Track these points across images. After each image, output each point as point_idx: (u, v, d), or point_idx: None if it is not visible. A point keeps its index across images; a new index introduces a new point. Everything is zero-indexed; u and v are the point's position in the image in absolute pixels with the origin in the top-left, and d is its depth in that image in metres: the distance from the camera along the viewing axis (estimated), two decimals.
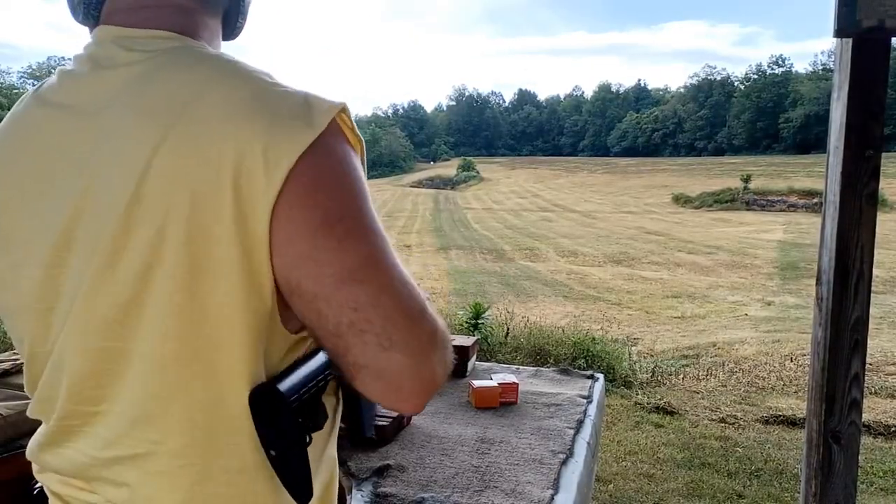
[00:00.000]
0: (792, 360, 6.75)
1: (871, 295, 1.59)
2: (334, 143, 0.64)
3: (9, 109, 0.78)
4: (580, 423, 1.79)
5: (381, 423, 1.63)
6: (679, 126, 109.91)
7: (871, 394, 5.32)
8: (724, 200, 36.14)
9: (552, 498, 1.39)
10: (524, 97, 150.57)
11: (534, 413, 1.85)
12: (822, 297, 1.64)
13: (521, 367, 2.36)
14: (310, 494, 0.69)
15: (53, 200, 0.67)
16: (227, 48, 0.80)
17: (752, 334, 8.84)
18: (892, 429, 4.50)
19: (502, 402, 1.91)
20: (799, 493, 1.80)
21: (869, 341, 1.62)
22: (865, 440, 4.19)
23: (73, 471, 0.72)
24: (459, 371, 2.14)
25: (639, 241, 21.92)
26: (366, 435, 0.83)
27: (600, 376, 2.20)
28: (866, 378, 1.65)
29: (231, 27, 0.81)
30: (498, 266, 16.87)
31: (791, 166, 48.04)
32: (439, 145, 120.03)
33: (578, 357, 5.59)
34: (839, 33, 1.51)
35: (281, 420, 0.66)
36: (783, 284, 13.68)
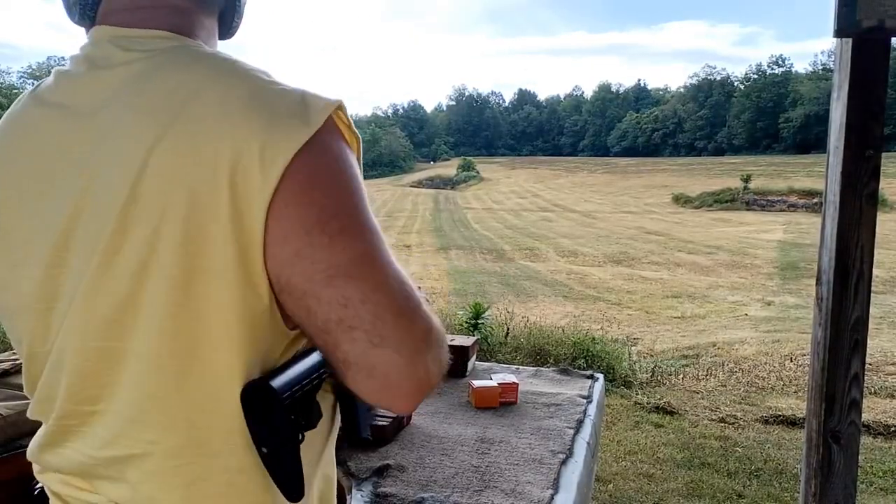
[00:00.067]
0: (792, 360, 6.75)
1: (871, 295, 1.59)
2: (330, 141, 0.64)
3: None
4: (580, 423, 1.79)
5: (380, 423, 1.62)
6: (679, 126, 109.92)
7: (871, 394, 5.33)
8: (724, 200, 36.15)
9: (552, 498, 1.39)
10: (524, 97, 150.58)
11: (534, 413, 1.85)
12: (822, 297, 1.64)
13: (521, 367, 2.36)
14: (301, 493, 0.69)
15: (53, 200, 0.67)
16: (228, 48, 0.80)
17: (751, 334, 8.84)
18: (892, 429, 4.50)
19: (502, 402, 1.91)
20: (799, 492, 1.80)
21: (869, 341, 1.62)
22: (865, 440, 4.19)
23: (73, 470, 0.72)
24: (459, 371, 2.14)
25: (639, 241, 21.92)
26: (361, 436, 0.82)
27: (600, 376, 2.20)
28: (866, 378, 1.65)
29: (227, 26, 0.81)
30: (498, 266, 16.87)
31: (791, 166, 48.05)
32: (439, 145, 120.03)
33: (578, 357, 5.59)
34: (839, 33, 1.51)
35: (273, 417, 0.65)
36: (783, 284, 13.68)
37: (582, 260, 17.95)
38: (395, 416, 1.66)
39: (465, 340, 2.23)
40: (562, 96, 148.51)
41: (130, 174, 0.62)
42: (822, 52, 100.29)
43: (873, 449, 4.16)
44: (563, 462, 1.55)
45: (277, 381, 0.65)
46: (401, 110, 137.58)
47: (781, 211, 32.31)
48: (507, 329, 6.18)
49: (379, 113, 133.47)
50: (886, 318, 9.19)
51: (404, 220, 31.48)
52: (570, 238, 23.13)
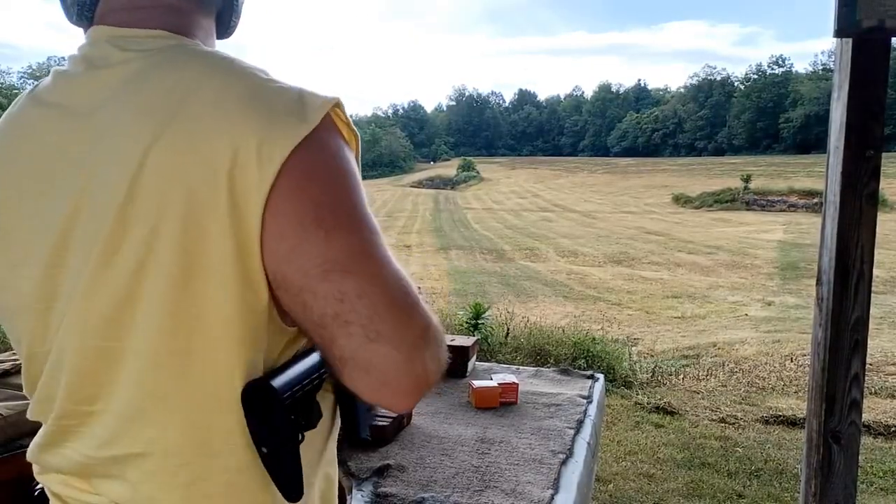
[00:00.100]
0: (792, 360, 6.75)
1: (871, 295, 1.59)
2: (328, 138, 0.64)
3: None
4: (580, 423, 1.79)
5: (380, 423, 1.63)
6: (679, 126, 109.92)
7: (871, 394, 5.32)
8: (724, 200, 36.14)
9: (552, 498, 1.39)
10: (524, 97, 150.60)
11: (534, 413, 1.85)
12: (822, 297, 1.64)
13: (521, 367, 2.36)
14: (300, 493, 0.69)
15: (52, 200, 0.67)
16: (227, 48, 0.80)
17: (752, 334, 8.84)
18: (892, 429, 4.50)
19: (502, 402, 1.91)
20: (799, 493, 1.80)
21: (869, 341, 1.62)
22: (865, 440, 4.19)
23: (72, 470, 0.72)
24: (459, 371, 2.14)
25: (639, 241, 21.92)
26: (361, 436, 0.82)
27: (600, 376, 2.20)
28: (866, 378, 1.65)
29: (225, 26, 0.81)
30: (498, 266, 16.87)
31: (791, 166, 48.04)
32: (439, 145, 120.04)
33: (578, 357, 5.59)
34: (839, 33, 1.51)
35: (273, 417, 0.65)
36: (783, 284, 13.68)
37: (582, 260, 17.95)
38: (395, 416, 1.66)
39: (465, 340, 2.23)
40: (562, 96, 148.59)
41: (128, 173, 0.62)
42: (822, 52, 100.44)
43: (873, 449, 4.16)
44: (564, 462, 1.55)
45: (278, 381, 0.65)
46: (401, 110, 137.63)
47: (781, 211, 32.30)
48: (508, 329, 6.18)
49: (379, 113, 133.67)
50: (886, 318, 9.18)
51: (404, 220, 31.48)
52: (571, 238, 23.13)
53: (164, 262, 0.61)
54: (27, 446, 0.77)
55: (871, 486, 3.66)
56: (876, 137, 1.54)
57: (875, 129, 1.54)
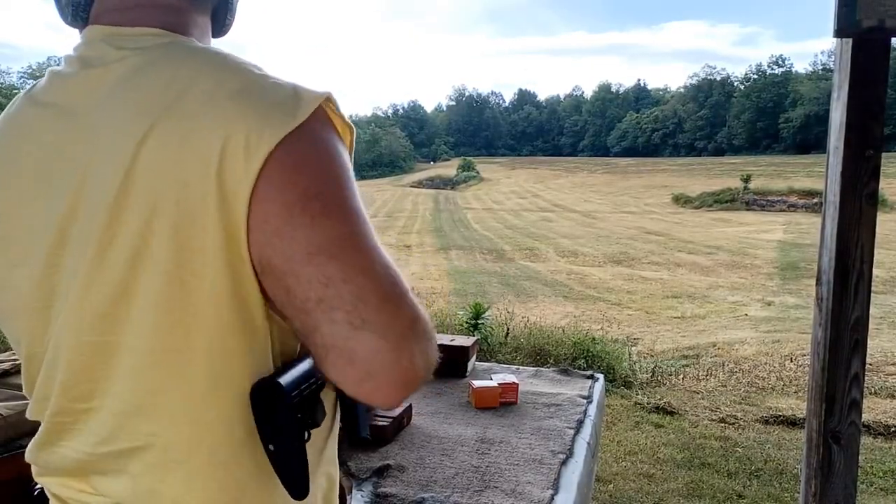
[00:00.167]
0: (792, 360, 6.75)
1: (871, 295, 1.59)
2: (319, 130, 0.64)
3: None
4: (580, 423, 1.79)
5: (380, 423, 1.63)
6: (679, 126, 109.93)
7: (871, 394, 5.33)
8: (724, 200, 36.14)
9: (552, 498, 1.39)
10: (524, 97, 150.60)
11: (534, 413, 1.85)
12: (822, 297, 1.64)
13: (521, 367, 2.36)
14: (306, 491, 0.69)
15: (50, 200, 0.67)
16: (225, 47, 0.80)
17: (752, 334, 8.84)
18: (892, 429, 4.50)
19: (502, 402, 1.91)
20: (799, 493, 1.80)
21: (869, 341, 1.62)
22: (865, 440, 4.19)
23: (70, 469, 0.72)
24: (459, 371, 2.14)
25: (639, 241, 21.92)
26: (361, 435, 0.82)
27: (600, 376, 2.20)
28: (866, 378, 1.65)
29: (220, 24, 0.81)
30: (498, 266, 16.87)
31: (791, 166, 48.04)
32: (439, 145, 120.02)
33: (578, 357, 5.59)
34: (839, 33, 1.51)
35: (281, 415, 0.65)
36: (783, 284, 13.68)
37: (582, 260, 17.95)
38: (395, 416, 1.66)
39: (465, 340, 2.23)
40: (562, 96, 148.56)
41: (122, 168, 0.62)
42: (822, 52, 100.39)
43: (873, 449, 4.16)
44: (564, 462, 1.55)
45: (285, 379, 0.65)
46: (401, 110, 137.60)
47: (781, 211, 32.30)
48: (507, 329, 6.18)
49: (379, 113, 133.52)
50: (886, 318, 9.19)
51: (404, 220, 31.49)
52: (570, 238, 23.13)
53: (157, 256, 0.62)
54: (27, 446, 0.77)
55: (871, 486, 3.66)
56: (876, 137, 1.54)
57: (875, 129, 1.54)
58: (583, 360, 5.48)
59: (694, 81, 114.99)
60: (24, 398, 1.15)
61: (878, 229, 1.58)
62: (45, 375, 0.71)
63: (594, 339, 6.16)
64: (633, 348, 7.26)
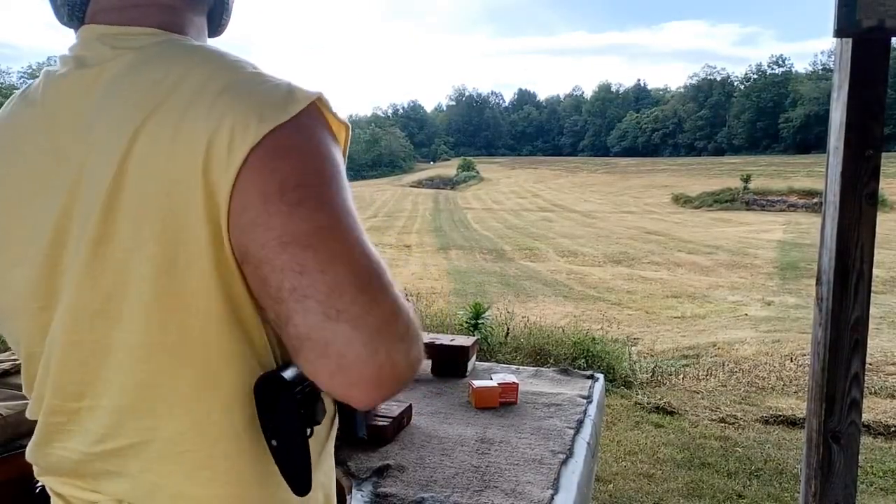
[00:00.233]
0: (792, 360, 6.75)
1: (871, 295, 1.59)
2: (310, 126, 0.64)
3: None
4: (580, 423, 1.79)
5: (380, 423, 1.62)
6: (679, 126, 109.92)
7: (871, 394, 5.33)
8: (723, 200, 36.15)
9: (552, 498, 1.39)
10: (524, 97, 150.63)
11: (534, 413, 1.85)
12: (822, 297, 1.64)
13: (521, 367, 2.36)
14: (308, 487, 0.69)
15: (46, 199, 0.67)
16: (228, 48, 0.80)
17: (751, 334, 8.84)
18: (892, 429, 4.50)
19: (502, 402, 1.91)
20: (799, 493, 1.80)
21: (869, 341, 1.62)
22: (865, 440, 4.19)
23: (69, 470, 0.72)
24: (459, 371, 2.14)
25: (639, 241, 21.92)
26: (358, 435, 0.81)
27: (600, 376, 2.20)
28: (866, 378, 1.65)
29: (216, 24, 0.81)
30: (498, 266, 16.87)
31: (791, 166, 48.05)
32: (439, 145, 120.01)
33: (578, 357, 5.59)
34: (839, 33, 1.51)
35: (284, 410, 0.65)
36: (783, 284, 13.68)
37: (582, 260, 17.95)
38: (395, 415, 1.66)
39: (465, 340, 2.23)
40: (562, 96, 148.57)
41: (115, 165, 0.62)
42: (822, 52, 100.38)
43: (873, 449, 4.16)
44: (564, 462, 1.55)
45: (289, 373, 0.65)
46: (401, 110, 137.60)
47: (781, 211, 32.31)
48: (507, 329, 6.18)
49: (379, 113, 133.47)
50: (886, 318, 9.19)
51: (404, 220, 31.48)
52: (570, 238, 23.12)
53: (150, 251, 0.62)
54: (27, 446, 0.77)
55: (871, 486, 3.66)
56: (876, 137, 1.54)
57: (875, 129, 1.54)
58: (583, 360, 5.48)
59: (694, 81, 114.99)
60: (24, 398, 1.15)
61: (878, 229, 1.58)
62: (42, 375, 0.71)
63: (594, 338, 6.16)
64: (633, 348, 7.26)
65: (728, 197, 36.56)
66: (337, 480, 0.86)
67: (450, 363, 2.15)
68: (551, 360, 5.43)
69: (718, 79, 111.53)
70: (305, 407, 0.66)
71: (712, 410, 4.96)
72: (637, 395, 5.22)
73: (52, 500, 0.76)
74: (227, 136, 0.59)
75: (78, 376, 0.68)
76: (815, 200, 30.89)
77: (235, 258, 0.62)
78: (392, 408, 1.68)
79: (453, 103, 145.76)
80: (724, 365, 6.67)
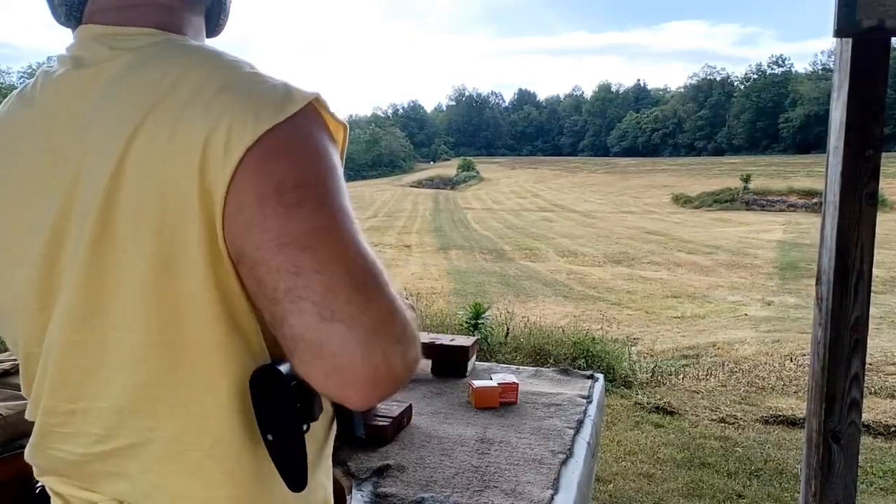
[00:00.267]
0: (792, 360, 6.75)
1: (871, 295, 1.59)
2: (307, 126, 0.64)
3: None
4: (580, 423, 1.79)
5: (381, 422, 1.62)
6: (679, 126, 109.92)
7: (871, 394, 5.33)
8: (723, 200, 36.14)
9: (552, 498, 1.39)
10: (524, 97, 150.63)
11: (534, 413, 1.85)
12: (822, 297, 1.64)
13: (521, 367, 2.36)
14: (304, 483, 0.68)
15: (44, 199, 0.67)
16: (228, 48, 0.80)
17: (751, 334, 8.84)
18: (892, 429, 4.50)
19: (502, 402, 1.91)
20: (799, 493, 1.80)
21: (869, 341, 1.62)
22: (865, 440, 4.19)
23: (67, 471, 0.72)
24: (459, 371, 2.14)
25: (639, 241, 21.92)
26: (356, 434, 0.81)
27: (600, 376, 2.20)
28: (866, 378, 1.65)
29: (214, 24, 0.81)
30: (498, 266, 16.87)
31: (791, 166, 48.04)
32: (439, 145, 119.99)
33: (578, 357, 5.59)
34: (839, 33, 1.51)
35: (280, 403, 0.65)
36: (783, 284, 13.68)
37: (582, 260, 17.95)
38: (395, 415, 1.66)
39: (465, 340, 2.23)
40: (562, 96, 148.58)
41: (112, 164, 0.62)
42: (822, 52, 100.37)
43: (873, 449, 4.16)
44: (564, 462, 1.55)
45: (285, 367, 0.65)
46: (401, 110, 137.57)
47: (781, 211, 32.30)
48: (507, 329, 6.18)
49: (379, 113, 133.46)
50: (886, 318, 9.19)
51: (404, 220, 31.48)
52: (570, 238, 23.12)
53: (147, 250, 0.61)
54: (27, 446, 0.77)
55: (871, 486, 3.66)
56: (876, 137, 1.54)
57: (875, 128, 1.54)
58: (583, 360, 5.48)
59: (694, 81, 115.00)
60: (23, 398, 1.15)
61: (878, 229, 1.58)
62: (40, 376, 0.71)
63: (594, 338, 6.16)
64: (633, 348, 7.26)
65: (728, 197, 36.55)
66: (337, 480, 0.86)
67: (450, 363, 2.15)
68: (551, 360, 5.43)
69: (718, 79, 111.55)
70: (301, 401, 0.66)
71: (712, 410, 4.96)
72: (637, 395, 5.22)
73: (51, 500, 0.76)
74: (223, 136, 0.59)
75: (76, 377, 0.68)
76: (815, 200, 30.89)
77: (231, 259, 0.62)
78: (392, 408, 1.68)
79: (453, 103, 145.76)
80: (724, 365, 6.67)
